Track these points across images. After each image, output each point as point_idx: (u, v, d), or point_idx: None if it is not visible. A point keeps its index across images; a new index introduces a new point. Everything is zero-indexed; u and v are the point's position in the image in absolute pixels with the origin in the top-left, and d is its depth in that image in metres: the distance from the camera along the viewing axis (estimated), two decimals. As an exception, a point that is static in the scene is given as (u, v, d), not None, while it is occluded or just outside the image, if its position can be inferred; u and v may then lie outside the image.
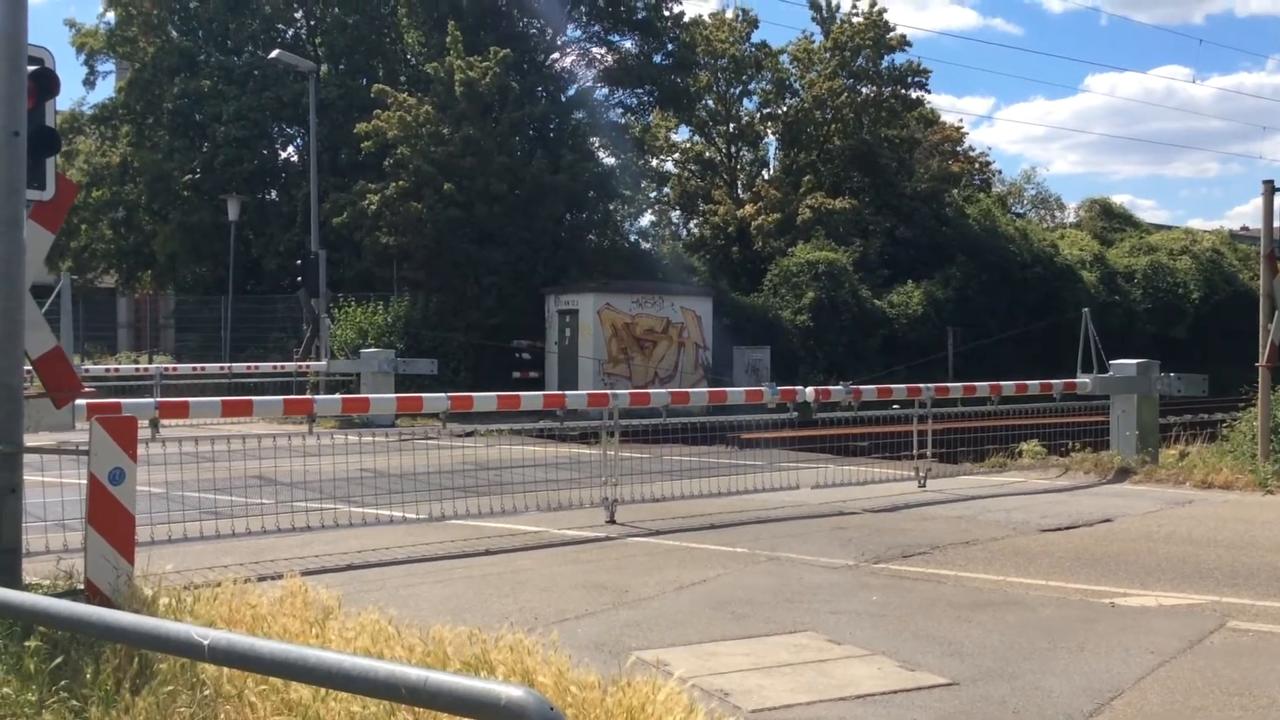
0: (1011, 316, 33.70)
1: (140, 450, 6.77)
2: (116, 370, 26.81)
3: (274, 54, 28.85)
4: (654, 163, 39.70)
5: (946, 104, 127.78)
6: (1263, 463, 13.73)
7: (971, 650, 6.32)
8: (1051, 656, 6.22)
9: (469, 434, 16.82)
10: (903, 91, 37.08)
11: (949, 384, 15.25)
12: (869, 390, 13.52)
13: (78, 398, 7.33)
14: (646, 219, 39.88)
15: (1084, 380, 15.14)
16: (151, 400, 11.64)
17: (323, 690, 4.20)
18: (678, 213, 43.43)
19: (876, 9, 36.17)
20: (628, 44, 33.42)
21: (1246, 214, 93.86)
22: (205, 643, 3.12)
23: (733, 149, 41.28)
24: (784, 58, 38.83)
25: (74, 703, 4.60)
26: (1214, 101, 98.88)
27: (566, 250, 29.12)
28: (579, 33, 33.15)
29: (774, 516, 11.09)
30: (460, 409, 11.80)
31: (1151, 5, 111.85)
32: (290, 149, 35.77)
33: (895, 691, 5.60)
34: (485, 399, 12.16)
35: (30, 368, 6.71)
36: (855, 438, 14.65)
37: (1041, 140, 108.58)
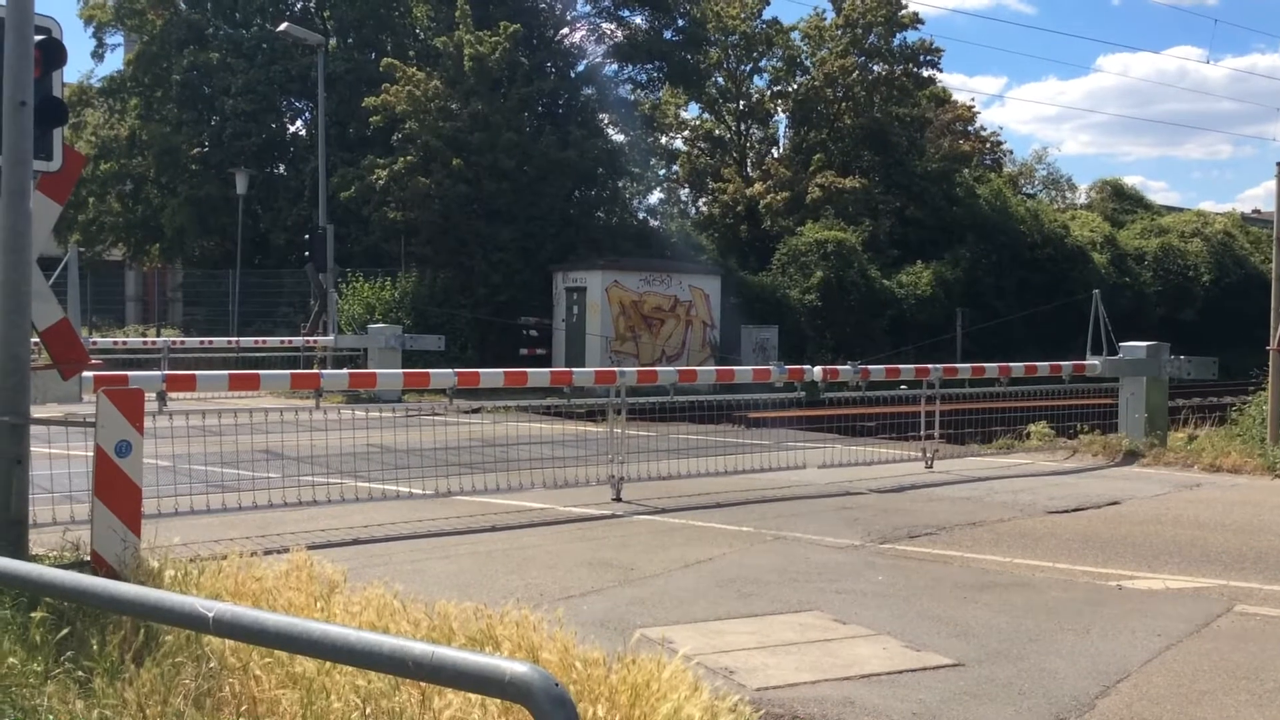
0: (1021, 297, 33.60)
1: (147, 423, 6.77)
2: (124, 343, 26.88)
3: (282, 27, 28.73)
4: (663, 140, 39.57)
5: (958, 83, 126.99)
6: (1272, 447, 13.69)
7: (977, 631, 6.31)
8: (1057, 638, 6.21)
9: (475, 410, 16.83)
10: (914, 70, 36.88)
11: (957, 365, 15.19)
12: (877, 370, 13.48)
13: (85, 370, 7.33)
14: (655, 197, 39.77)
15: (1093, 362, 15.08)
16: (159, 373, 11.69)
17: (328, 664, 4.20)
18: (686, 191, 43.34)
19: (889, -14, 35.96)
20: (638, 19, 33.24)
21: (1259, 196, 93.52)
22: (210, 615, 3.11)
23: (742, 127, 41.08)
24: (795, 34, 38.65)
25: (79, 674, 4.61)
26: (1227, 83, 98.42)
27: (575, 227, 29.05)
28: (589, 8, 33.01)
29: (780, 496, 11.08)
30: (467, 385, 11.78)
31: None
32: (298, 123, 35.77)
33: (901, 671, 5.60)
34: (492, 375, 12.13)
35: (37, 339, 6.71)
36: (862, 418, 14.62)
37: (1053, 120, 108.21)
